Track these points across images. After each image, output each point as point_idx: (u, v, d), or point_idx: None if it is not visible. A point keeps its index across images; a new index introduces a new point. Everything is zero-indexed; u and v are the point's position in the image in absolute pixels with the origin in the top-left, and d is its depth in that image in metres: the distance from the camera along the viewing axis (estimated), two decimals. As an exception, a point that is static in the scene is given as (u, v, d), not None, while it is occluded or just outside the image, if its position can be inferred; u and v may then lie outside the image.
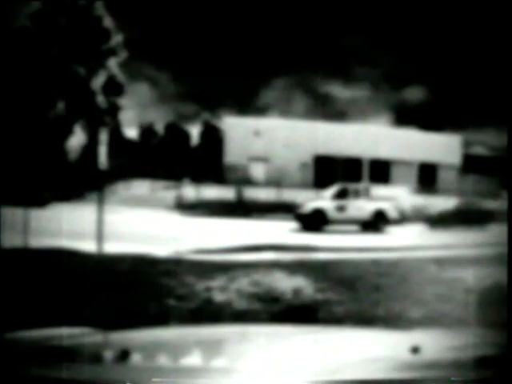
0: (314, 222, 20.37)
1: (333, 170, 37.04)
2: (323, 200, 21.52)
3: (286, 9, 36.13)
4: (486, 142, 37.84)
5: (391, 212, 21.28)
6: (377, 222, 20.94)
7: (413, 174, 38.47)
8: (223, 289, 8.24)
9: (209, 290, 8.17)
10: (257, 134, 36.36)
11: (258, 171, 36.35)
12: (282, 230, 19.45)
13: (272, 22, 37.19)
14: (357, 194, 21.75)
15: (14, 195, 20.57)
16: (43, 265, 9.28)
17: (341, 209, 20.91)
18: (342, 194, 21.61)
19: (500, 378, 1.68)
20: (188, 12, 37.16)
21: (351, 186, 22.57)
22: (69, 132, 32.36)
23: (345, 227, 20.58)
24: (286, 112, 38.50)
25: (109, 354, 2.08)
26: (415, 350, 1.88)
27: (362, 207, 21.13)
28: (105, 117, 32.13)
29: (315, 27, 37.51)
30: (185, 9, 36.82)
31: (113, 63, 32.82)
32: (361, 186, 23.62)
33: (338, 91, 40.57)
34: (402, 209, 22.45)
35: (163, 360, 2.03)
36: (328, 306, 7.37)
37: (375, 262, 11.22)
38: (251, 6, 37.63)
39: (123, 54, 32.81)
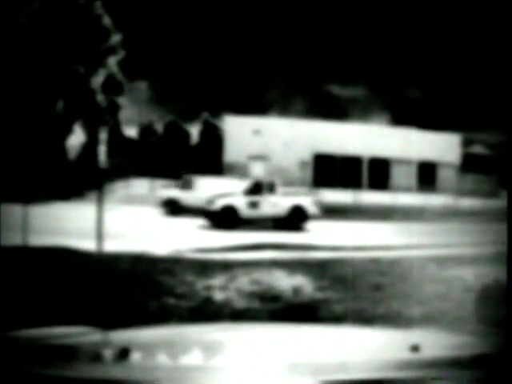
0: (224, 219, 19.15)
1: (332, 169, 37.05)
2: (234, 196, 20.11)
3: (286, 9, 36.13)
4: (486, 140, 37.84)
5: (310, 207, 20.08)
6: (294, 219, 19.79)
7: (412, 172, 38.48)
8: (223, 287, 8.24)
9: (208, 288, 8.18)
10: (256, 132, 36.35)
11: (257, 170, 36.33)
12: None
13: (272, 21, 37.19)
14: (272, 189, 20.39)
15: (13, 194, 20.56)
16: (42, 263, 9.28)
17: (254, 205, 19.70)
18: (255, 190, 20.29)
19: (500, 377, 1.68)
20: (187, 15, 37.16)
21: (265, 181, 21.11)
22: (68, 131, 32.35)
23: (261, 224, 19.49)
24: (285, 111, 38.48)
25: (108, 353, 2.08)
26: (415, 348, 1.88)
27: (277, 203, 19.87)
28: (104, 115, 32.11)
29: (315, 27, 37.55)
30: (185, 12, 36.82)
31: (112, 62, 32.80)
32: (275, 180, 21.49)
33: (338, 90, 40.58)
34: (321, 204, 21.23)
35: (163, 359, 2.03)
36: (327, 305, 7.37)
37: (374, 261, 11.23)
38: (251, 6, 37.66)
39: (122, 53, 32.80)
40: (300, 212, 19.84)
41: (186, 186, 23.42)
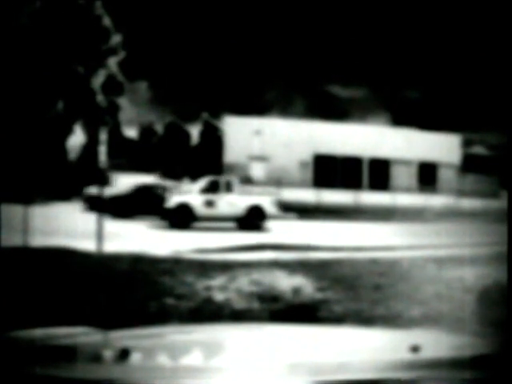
0: (179, 218, 18.50)
1: (332, 169, 37.06)
2: (190, 194, 19.51)
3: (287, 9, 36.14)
4: (486, 141, 37.86)
5: (269, 207, 19.51)
6: (253, 219, 19.20)
7: (412, 173, 38.49)
8: (223, 288, 8.24)
9: (208, 289, 8.18)
10: (257, 133, 36.36)
11: (257, 170, 36.34)
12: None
13: (272, 22, 37.21)
14: (229, 188, 19.72)
15: (14, 194, 20.58)
16: (42, 264, 9.29)
17: (210, 204, 19.07)
18: (211, 188, 19.57)
19: (500, 378, 1.68)
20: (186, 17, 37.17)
21: (222, 179, 20.43)
22: (69, 131, 32.38)
23: (219, 224, 19.03)
24: (285, 111, 38.51)
25: (108, 353, 2.08)
26: (415, 349, 1.88)
27: (234, 202, 19.25)
28: (104, 116, 32.14)
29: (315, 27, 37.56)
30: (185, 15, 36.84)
31: (112, 62, 32.82)
32: (232, 178, 20.87)
33: (338, 91, 40.63)
34: (280, 203, 20.67)
35: (163, 359, 2.03)
36: (327, 305, 7.37)
37: (374, 262, 11.23)
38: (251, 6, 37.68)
39: (122, 54, 32.82)
40: (258, 212, 19.30)
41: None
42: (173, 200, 18.81)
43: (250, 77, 39.02)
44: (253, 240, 14.80)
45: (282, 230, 18.64)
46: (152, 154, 39.38)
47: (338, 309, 7.19)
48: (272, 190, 25.97)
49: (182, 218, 18.54)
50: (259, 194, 21.30)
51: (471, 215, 27.99)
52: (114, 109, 33.32)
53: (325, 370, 1.67)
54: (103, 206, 18.72)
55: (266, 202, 19.57)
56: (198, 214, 18.89)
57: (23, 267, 8.85)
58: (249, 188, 23.08)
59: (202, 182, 20.02)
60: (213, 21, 37.64)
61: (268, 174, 36.03)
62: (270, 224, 19.54)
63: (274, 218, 19.64)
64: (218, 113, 40.16)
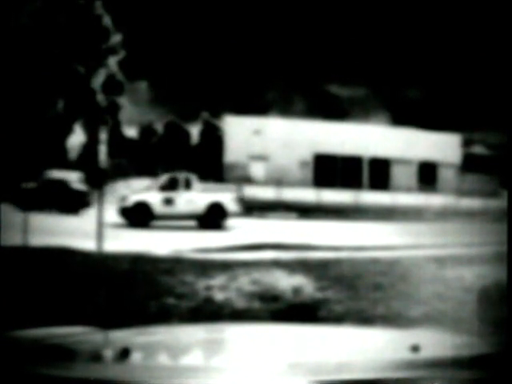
0: (138, 216, 18.02)
1: (333, 169, 37.05)
2: (148, 192, 19.07)
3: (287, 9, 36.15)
4: (486, 140, 37.86)
5: (230, 205, 19.04)
6: (213, 217, 18.76)
7: (412, 172, 38.48)
8: (223, 287, 8.25)
9: (209, 288, 8.18)
10: (257, 132, 36.35)
11: (258, 170, 36.35)
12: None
13: (272, 21, 37.21)
14: (188, 185, 19.24)
15: (13, 193, 20.58)
16: (42, 263, 9.29)
17: (168, 202, 18.59)
18: (170, 185, 19.08)
19: (500, 378, 1.68)
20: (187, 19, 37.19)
21: (181, 176, 19.75)
22: (69, 131, 32.37)
23: (181, 223, 18.67)
24: (285, 111, 38.50)
25: (108, 353, 2.08)
26: (415, 348, 1.88)
27: (193, 200, 18.80)
28: (105, 115, 32.13)
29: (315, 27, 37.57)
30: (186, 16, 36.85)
31: (112, 62, 32.81)
32: (191, 175, 20.17)
33: (338, 90, 40.60)
34: (242, 200, 20.28)
35: (163, 359, 2.03)
36: (328, 305, 7.37)
37: (374, 261, 11.23)
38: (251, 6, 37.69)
39: (123, 53, 32.82)
40: (218, 210, 18.82)
41: None
42: (131, 198, 18.37)
43: (250, 76, 39.02)
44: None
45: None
46: (152, 153, 39.38)
47: (338, 308, 7.19)
48: (232, 186, 25.54)
49: (141, 217, 18.07)
50: (219, 190, 20.80)
51: (471, 215, 27.99)
52: (114, 108, 33.31)
53: (325, 370, 1.67)
54: (15, 198, 18.73)
55: (227, 199, 19.08)
56: (157, 213, 18.38)
57: (23, 267, 8.85)
58: (209, 185, 22.45)
59: (160, 179, 19.56)
60: (213, 20, 37.65)
61: (268, 173, 36.02)
62: (235, 222, 19.16)
63: (235, 215, 19.15)
64: (218, 112, 40.15)
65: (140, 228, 17.65)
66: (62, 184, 21.81)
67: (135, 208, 18.15)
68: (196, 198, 18.88)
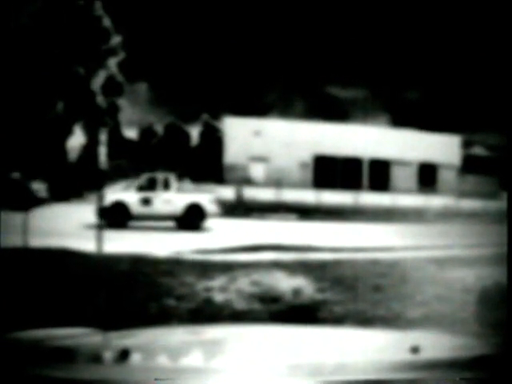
0: (115, 216, 17.61)
1: (332, 170, 37.06)
2: (126, 191, 18.78)
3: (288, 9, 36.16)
4: (486, 142, 37.88)
5: (208, 206, 18.71)
6: (191, 218, 18.46)
7: (412, 174, 38.50)
8: (223, 289, 8.24)
9: (208, 289, 8.18)
10: (257, 134, 36.37)
11: (257, 171, 36.36)
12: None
13: (272, 23, 37.23)
14: (167, 185, 18.88)
15: (13, 195, 20.58)
16: (42, 264, 9.28)
17: (146, 202, 18.23)
18: (148, 185, 18.71)
19: (500, 379, 1.68)
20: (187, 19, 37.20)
21: (160, 176, 19.37)
22: (68, 132, 32.37)
23: (159, 224, 18.45)
24: (285, 112, 38.52)
25: (108, 354, 2.08)
26: (415, 349, 1.88)
27: (171, 200, 18.50)
28: (104, 117, 32.14)
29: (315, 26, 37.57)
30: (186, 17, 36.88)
31: (112, 63, 32.82)
32: (170, 175, 19.72)
33: (338, 92, 40.63)
34: (220, 201, 19.92)
35: (163, 360, 2.03)
36: (327, 306, 7.37)
37: (374, 262, 11.23)
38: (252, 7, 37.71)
39: (122, 54, 32.83)
40: (197, 210, 18.52)
41: None
42: (108, 198, 17.91)
43: (251, 78, 39.02)
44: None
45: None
46: (152, 154, 39.37)
47: (338, 310, 7.19)
48: (209, 187, 25.29)
49: (118, 217, 17.78)
50: (198, 191, 20.60)
51: (471, 216, 27.98)
52: (113, 110, 33.32)
53: (325, 371, 1.67)
54: None
55: (205, 200, 18.81)
56: (134, 213, 18.10)
57: (23, 268, 8.85)
58: (187, 185, 22.12)
59: (138, 179, 19.22)
60: (213, 22, 37.65)
61: (268, 174, 36.04)
62: (213, 224, 18.92)
63: (214, 216, 18.85)
64: (217, 114, 40.17)
65: (117, 228, 17.20)
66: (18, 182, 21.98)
67: (113, 208, 17.79)
68: (174, 198, 18.62)
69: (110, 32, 32.41)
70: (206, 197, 19.09)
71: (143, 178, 19.11)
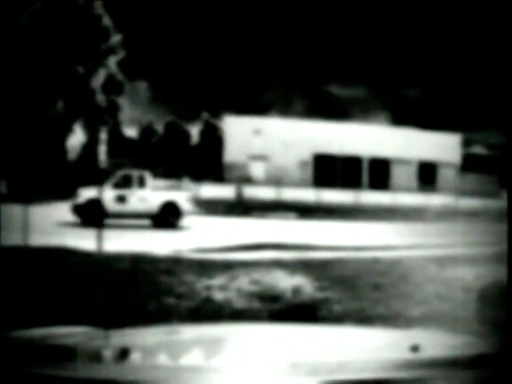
0: (90, 214, 17.16)
1: (332, 169, 37.07)
2: (101, 188, 17.76)
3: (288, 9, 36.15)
4: (486, 140, 37.89)
5: (184, 204, 18.49)
6: (167, 216, 18.21)
7: (412, 172, 38.50)
8: (223, 287, 8.24)
9: (208, 288, 8.18)
10: (257, 132, 36.37)
11: (257, 170, 36.36)
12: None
13: (272, 22, 37.22)
14: (142, 183, 18.63)
15: (14, 194, 20.57)
16: (42, 263, 9.29)
17: (121, 200, 17.97)
18: (123, 183, 18.41)
19: (500, 377, 1.68)
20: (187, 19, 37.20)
21: (135, 173, 19.08)
22: (68, 131, 32.37)
23: (135, 222, 18.12)
24: (285, 111, 38.52)
25: (108, 353, 2.08)
26: (415, 348, 1.88)
27: (147, 198, 18.26)
28: (104, 116, 32.12)
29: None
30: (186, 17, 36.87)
31: (112, 62, 32.81)
32: (146, 172, 19.39)
33: (338, 90, 40.62)
34: (196, 199, 19.67)
35: (163, 359, 2.03)
36: (328, 305, 7.37)
37: (374, 261, 11.23)
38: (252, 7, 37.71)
39: (122, 53, 32.82)
40: (173, 208, 18.30)
41: None
42: (84, 195, 17.74)
43: (250, 76, 39.01)
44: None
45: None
46: (152, 153, 39.38)
47: (338, 308, 7.19)
48: (187, 185, 24.91)
49: (94, 215, 17.00)
50: (174, 189, 20.40)
51: (471, 215, 27.98)
52: (113, 108, 33.31)
53: (325, 370, 1.67)
54: None
55: (181, 198, 18.58)
56: (109, 211, 17.71)
57: (23, 266, 8.85)
58: (162, 183, 21.92)
59: (114, 177, 18.91)
60: (213, 20, 37.64)
61: (268, 173, 36.04)
62: (190, 222, 18.68)
63: (190, 214, 18.65)
64: (217, 112, 40.16)
65: (93, 227, 17.06)
66: None
67: (87, 205, 17.52)
68: (149, 196, 18.39)
69: (110, 31, 32.39)
70: (182, 195, 18.86)
71: (118, 176, 18.86)
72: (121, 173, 19.07)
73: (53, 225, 17.19)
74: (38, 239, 11.61)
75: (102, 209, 17.35)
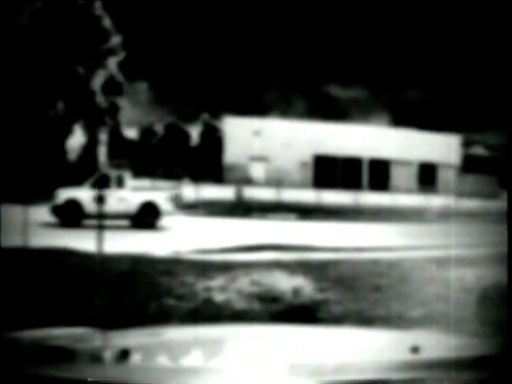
0: (68, 215, 17.22)
1: (332, 170, 37.05)
2: (79, 189, 18.16)
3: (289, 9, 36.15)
4: (486, 141, 37.86)
5: (163, 204, 18.28)
6: (146, 217, 18.03)
7: (412, 173, 38.49)
8: (223, 288, 8.23)
9: (208, 289, 8.17)
10: (257, 133, 36.36)
11: (257, 171, 36.36)
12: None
13: (272, 22, 37.22)
14: (120, 183, 18.48)
15: (14, 194, 20.56)
16: (42, 264, 9.28)
17: (99, 200, 17.24)
18: (101, 183, 17.97)
19: (500, 379, 1.68)
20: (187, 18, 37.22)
21: (113, 173, 18.91)
22: (68, 132, 32.34)
23: (113, 222, 17.49)
24: (285, 112, 38.49)
25: (108, 354, 2.08)
26: (415, 349, 1.88)
27: (125, 198, 18.09)
28: (104, 117, 32.10)
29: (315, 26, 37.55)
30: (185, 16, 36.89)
31: (112, 63, 32.81)
32: (124, 172, 19.14)
33: (338, 91, 40.60)
34: (178, 199, 19.40)
35: (163, 360, 2.03)
36: (327, 306, 7.37)
37: (374, 262, 11.22)
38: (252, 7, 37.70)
39: (122, 54, 32.81)
40: (151, 209, 18.12)
41: None
42: (62, 195, 17.59)
43: (250, 77, 39.01)
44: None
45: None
46: (152, 154, 39.37)
47: (337, 309, 7.19)
48: (165, 185, 24.56)
49: (71, 215, 17.31)
50: (153, 189, 20.18)
51: (471, 216, 27.95)
52: (113, 109, 33.29)
53: (325, 371, 1.67)
54: None
55: (160, 198, 18.36)
56: (87, 211, 17.31)
57: (23, 267, 8.84)
58: (142, 183, 21.64)
59: (93, 176, 18.64)
60: (212, 21, 37.66)
61: (268, 174, 36.03)
62: (171, 222, 18.39)
63: (170, 214, 18.40)
64: (217, 113, 40.15)
65: (70, 227, 16.86)
66: None
67: (66, 206, 17.45)
68: (128, 196, 18.22)
69: (110, 31, 32.38)
70: (162, 195, 18.63)
71: (96, 175, 18.66)
72: (99, 173, 18.90)
73: (52, 225, 17.10)
74: (38, 240, 11.61)
75: (81, 209, 17.36)
